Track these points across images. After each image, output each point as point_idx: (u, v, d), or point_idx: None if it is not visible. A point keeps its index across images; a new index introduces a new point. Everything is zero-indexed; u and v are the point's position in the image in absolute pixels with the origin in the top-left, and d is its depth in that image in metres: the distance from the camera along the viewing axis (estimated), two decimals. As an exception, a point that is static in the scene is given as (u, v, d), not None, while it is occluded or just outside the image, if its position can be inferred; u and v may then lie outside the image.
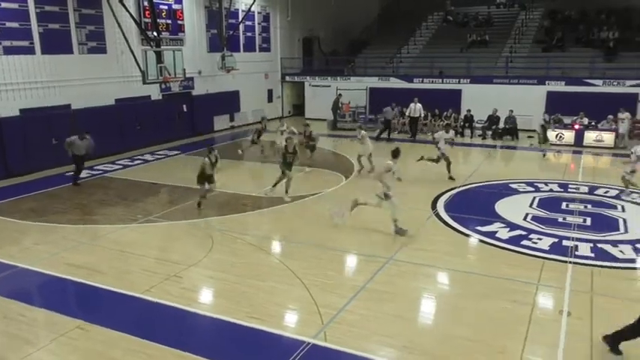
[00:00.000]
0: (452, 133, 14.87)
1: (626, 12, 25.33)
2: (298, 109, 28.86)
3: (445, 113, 22.57)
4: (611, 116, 19.46)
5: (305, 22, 28.97)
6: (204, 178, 11.64)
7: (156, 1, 18.90)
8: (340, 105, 24.61)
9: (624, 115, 19.30)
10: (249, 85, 25.46)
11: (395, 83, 25.04)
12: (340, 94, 24.63)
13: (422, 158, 14.70)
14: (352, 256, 9.37)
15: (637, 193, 12.68)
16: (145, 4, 18.80)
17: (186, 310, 7.27)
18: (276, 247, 9.99)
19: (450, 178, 14.22)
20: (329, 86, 26.19)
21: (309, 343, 6.35)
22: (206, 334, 6.83)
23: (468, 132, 21.92)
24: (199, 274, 8.52)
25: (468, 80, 23.51)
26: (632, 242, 9.57)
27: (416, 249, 9.43)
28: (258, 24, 26.57)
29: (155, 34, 18.35)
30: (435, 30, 29.09)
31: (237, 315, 7.05)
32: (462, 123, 22.21)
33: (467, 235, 10.17)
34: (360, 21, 30.73)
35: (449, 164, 14.32)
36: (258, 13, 26.42)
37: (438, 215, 11.41)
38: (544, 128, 18.44)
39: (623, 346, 6.01)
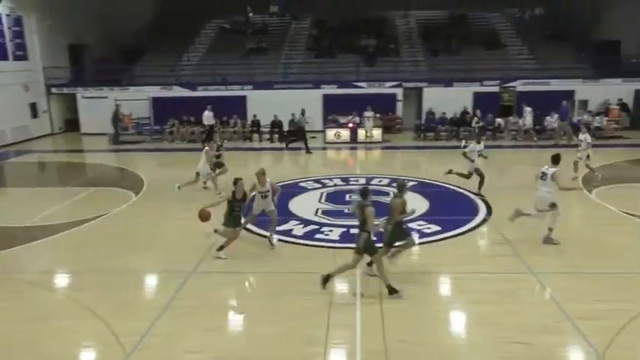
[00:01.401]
0: (482, 144, 13.48)
1: (381, 22, 29.10)
2: (72, 125, 25.97)
3: (232, 120, 22.89)
4: (377, 115, 22.13)
5: (70, 27, 26.18)
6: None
7: None
8: (121, 117, 22.97)
9: (369, 114, 21.85)
10: (4, 99, 21.96)
11: (179, 92, 24.40)
12: (118, 105, 22.98)
13: (450, 172, 13.21)
14: (151, 275, 8.81)
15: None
16: None
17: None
18: (59, 280, 8.80)
19: (478, 194, 12.84)
20: (106, 97, 24.24)
21: (110, 381, 5.74)
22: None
23: (256, 136, 22.56)
24: (-41, 330, 7.00)
25: (251, 86, 24.21)
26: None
27: (218, 257, 9.31)
28: (9, 28, 23.07)
29: None
30: (213, 37, 29.21)
31: (17, 368, 6.00)
32: (249, 128, 22.79)
33: (266, 237, 10.42)
34: (132, 26, 28.99)
35: (482, 180, 12.90)
36: (7, 15, 22.94)
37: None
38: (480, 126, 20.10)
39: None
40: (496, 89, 23.39)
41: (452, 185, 13.99)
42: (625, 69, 23.77)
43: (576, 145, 14.72)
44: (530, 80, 23.30)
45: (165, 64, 26.32)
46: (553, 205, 9.28)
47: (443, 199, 13.02)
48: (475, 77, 23.62)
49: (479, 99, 22.99)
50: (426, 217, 11.36)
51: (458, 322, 7.22)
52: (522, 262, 8.84)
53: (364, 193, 7.84)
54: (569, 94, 22.51)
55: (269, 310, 7.39)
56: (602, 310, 7.13)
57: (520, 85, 23.28)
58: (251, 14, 30.41)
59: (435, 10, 29.94)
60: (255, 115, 22.89)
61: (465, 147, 13.45)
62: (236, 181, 9.11)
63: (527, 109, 21.23)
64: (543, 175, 9.39)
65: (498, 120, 22.03)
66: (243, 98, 24.04)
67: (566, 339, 6.56)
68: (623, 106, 22.69)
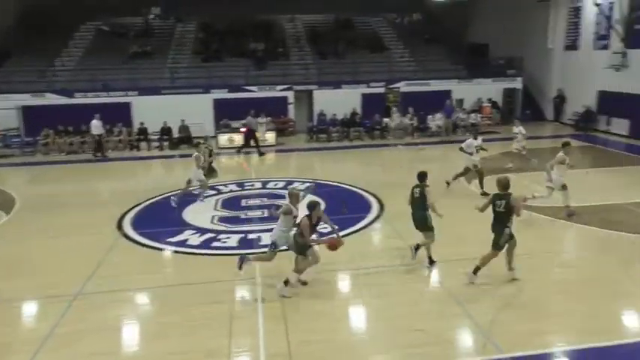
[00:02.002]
0: (480, 139, 13.18)
1: (269, 26, 29.10)
2: None
3: (116, 129, 21.53)
4: (269, 118, 22.09)
5: None
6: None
7: None
8: (-16, 129, 20.60)
9: (264, 120, 21.52)
10: None
11: (53, 99, 22.45)
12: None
13: (448, 183, 13.01)
14: (28, 303, 7.95)
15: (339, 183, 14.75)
16: None
17: None
18: None
19: (484, 193, 11.92)
20: (-35, 107, 21.57)
21: None
22: None
23: (144, 145, 21.44)
24: None
25: (136, 92, 22.98)
26: (301, 224, 11.07)
27: (106, 276, 8.68)
28: None
29: None
30: (90, 40, 27.31)
31: None
32: (136, 136, 21.63)
33: (160, 250, 9.93)
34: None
35: (482, 177, 12.66)
36: None
37: (126, 235, 10.77)
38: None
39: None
40: (382, 90, 24.45)
41: (346, 184, 14.36)
42: (493, 70, 26.07)
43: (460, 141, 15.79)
44: (413, 81, 24.68)
45: (35, 69, 24.02)
46: (564, 187, 10.51)
47: (338, 198, 13.28)
48: (362, 79, 24.50)
49: (367, 100, 23.88)
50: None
51: (359, 316, 7.40)
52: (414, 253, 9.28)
53: (421, 176, 8.46)
54: (447, 94, 24.21)
55: (167, 326, 7.02)
56: (486, 291, 7.70)
57: (404, 86, 24.55)
58: (152, 16, 28.92)
59: (321, 14, 30.61)
60: (142, 123, 21.75)
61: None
62: (314, 206, 7.74)
63: (394, 109, 22.41)
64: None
65: (385, 120, 23.03)
66: (127, 105, 22.74)
67: (456, 322, 6.99)
68: (493, 104, 24.86)
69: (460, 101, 24.53)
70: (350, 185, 14.25)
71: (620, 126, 21.11)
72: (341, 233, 10.33)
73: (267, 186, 14.57)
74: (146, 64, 25.17)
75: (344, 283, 8.52)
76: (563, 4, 24.52)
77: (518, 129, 15.38)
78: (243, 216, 11.85)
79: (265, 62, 25.61)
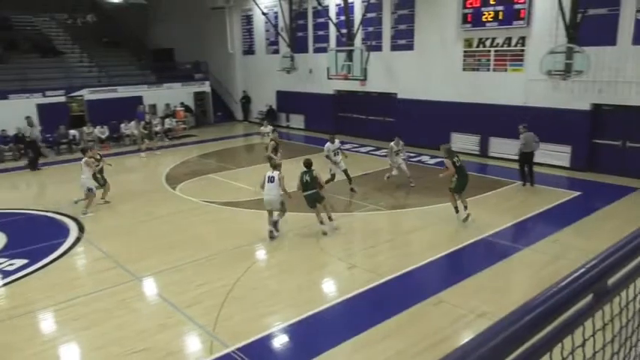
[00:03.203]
0: (337, 142, 13.12)
1: None
2: None
3: None
4: None
5: None
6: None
7: None
8: None
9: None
10: None
11: None
12: None
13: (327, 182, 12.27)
14: None
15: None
16: None
17: None
18: None
19: (353, 189, 12.90)
20: None
21: None
22: None
23: None
24: None
25: None
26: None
27: None
28: None
29: None
30: None
31: None
32: None
33: None
34: None
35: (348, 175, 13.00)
36: None
37: None
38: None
39: None
40: (63, 99, 21.93)
41: (31, 210, 12.38)
42: (181, 74, 26.42)
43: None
44: (97, 88, 22.89)
45: None
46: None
47: (24, 227, 11.35)
48: (35, 87, 21.38)
49: (45, 111, 20.98)
50: (6, 252, 9.67)
51: (72, 354, 6.46)
52: (126, 271, 8.66)
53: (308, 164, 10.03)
54: (138, 100, 23.29)
55: None
56: (203, 293, 7.73)
57: (88, 94, 22.55)
58: None
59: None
60: None
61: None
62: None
63: (35, 124, 20.03)
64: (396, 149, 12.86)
65: (72, 131, 20.78)
66: None
67: (180, 330, 6.81)
68: (187, 108, 25.21)
69: (153, 106, 24.04)
70: (37, 210, 12.33)
71: (298, 121, 24.25)
72: (35, 266, 8.97)
73: None
74: None
75: (46, 324, 7.29)
76: (235, 12, 26.53)
77: (268, 128, 17.11)
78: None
79: None
